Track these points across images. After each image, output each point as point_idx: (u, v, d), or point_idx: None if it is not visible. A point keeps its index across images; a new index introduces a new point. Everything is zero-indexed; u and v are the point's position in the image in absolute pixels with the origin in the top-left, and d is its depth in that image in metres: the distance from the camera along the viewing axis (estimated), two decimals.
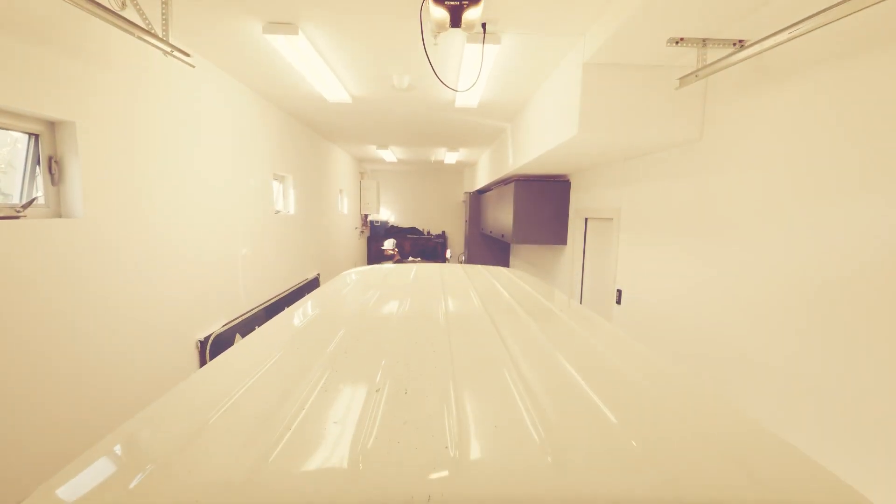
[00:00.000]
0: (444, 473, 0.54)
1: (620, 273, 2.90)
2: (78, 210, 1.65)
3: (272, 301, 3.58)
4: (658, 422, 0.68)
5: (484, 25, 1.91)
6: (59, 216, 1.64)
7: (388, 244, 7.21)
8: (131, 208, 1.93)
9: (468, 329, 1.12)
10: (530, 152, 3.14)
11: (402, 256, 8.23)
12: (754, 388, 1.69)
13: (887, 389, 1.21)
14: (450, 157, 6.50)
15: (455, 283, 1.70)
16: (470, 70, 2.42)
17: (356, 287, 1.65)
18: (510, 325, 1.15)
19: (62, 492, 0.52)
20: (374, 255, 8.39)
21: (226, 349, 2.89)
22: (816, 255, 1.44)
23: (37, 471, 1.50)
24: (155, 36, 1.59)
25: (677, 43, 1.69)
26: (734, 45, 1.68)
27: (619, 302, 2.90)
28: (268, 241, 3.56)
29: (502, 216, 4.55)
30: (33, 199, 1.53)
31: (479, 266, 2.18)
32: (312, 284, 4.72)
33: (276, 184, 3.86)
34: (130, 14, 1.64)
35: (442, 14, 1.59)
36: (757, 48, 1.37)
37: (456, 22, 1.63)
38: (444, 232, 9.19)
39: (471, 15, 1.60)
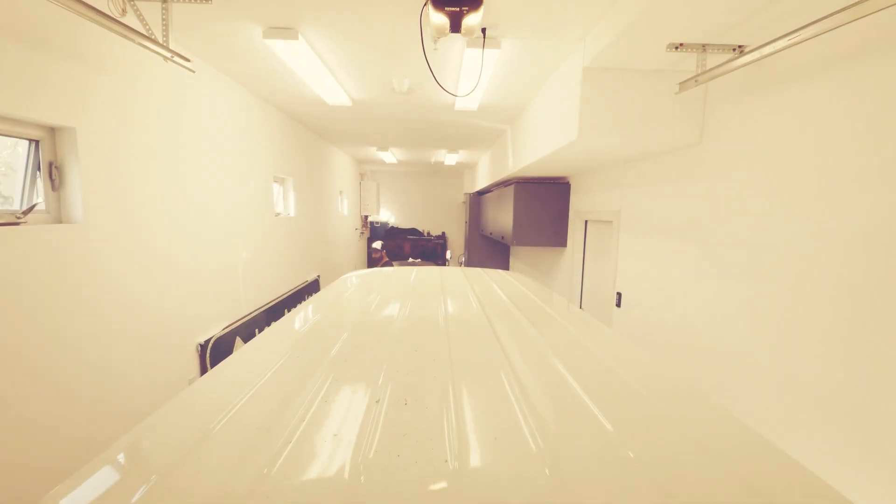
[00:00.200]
0: (444, 485, 0.55)
1: (620, 276, 2.90)
2: (78, 215, 1.65)
3: (272, 304, 3.58)
4: (655, 431, 0.68)
5: (484, 30, 1.91)
6: (60, 222, 1.64)
7: (377, 245, 6.98)
8: (131, 213, 1.93)
9: (468, 335, 1.12)
10: (530, 155, 3.14)
11: (402, 258, 8.22)
12: (754, 392, 1.69)
13: (889, 393, 1.22)
14: (450, 159, 6.51)
15: (455, 287, 1.70)
16: (470, 74, 2.43)
17: (356, 292, 1.65)
18: (509, 331, 1.16)
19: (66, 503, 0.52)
20: (374, 257, 8.39)
21: (226, 352, 2.90)
22: (816, 259, 1.44)
23: (37, 474, 1.50)
24: (155, 42, 1.59)
25: (677, 48, 1.69)
26: (734, 50, 1.68)
27: (618, 305, 2.90)
28: (268, 244, 3.56)
29: (502, 218, 4.55)
30: (34, 206, 1.53)
31: (479, 269, 2.18)
32: (312, 286, 4.72)
33: (276, 186, 3.86)
34: (131, 20, 1.64)
35: (442, 20, 1.59)
36: (756, 54, 1.37)
37: (456, 27, 1.63)
38: (443, 233, 9.20)
39: (471, 21, 1.60)
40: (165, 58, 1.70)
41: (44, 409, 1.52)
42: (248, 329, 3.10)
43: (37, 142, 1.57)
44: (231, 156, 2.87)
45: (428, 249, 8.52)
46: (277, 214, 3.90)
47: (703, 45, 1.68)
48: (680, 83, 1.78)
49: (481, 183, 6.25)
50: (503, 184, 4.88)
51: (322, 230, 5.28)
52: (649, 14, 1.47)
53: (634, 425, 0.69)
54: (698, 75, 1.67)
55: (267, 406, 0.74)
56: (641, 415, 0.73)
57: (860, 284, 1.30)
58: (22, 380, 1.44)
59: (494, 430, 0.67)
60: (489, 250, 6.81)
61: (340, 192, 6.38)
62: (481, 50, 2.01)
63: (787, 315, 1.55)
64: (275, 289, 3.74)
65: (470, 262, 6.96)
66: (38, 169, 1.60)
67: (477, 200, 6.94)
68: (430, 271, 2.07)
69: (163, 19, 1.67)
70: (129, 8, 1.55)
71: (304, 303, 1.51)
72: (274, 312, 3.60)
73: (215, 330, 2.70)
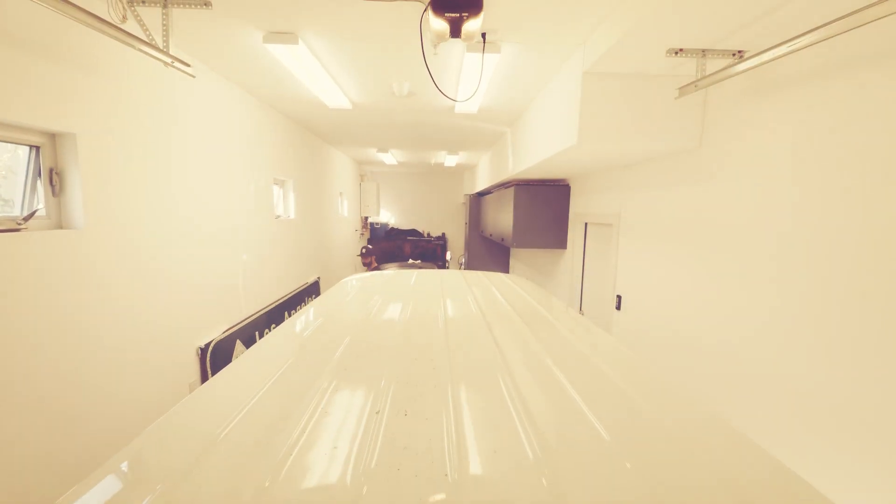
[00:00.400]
0: (443, 497, 0.55)
1: (620, 279, 2.90)
2: (79, 221, 1.65)
3: (272, 306, 3.59)
4: (652, 442, 0.68)
5: (484, 35, 1.92)
6: (60, 227, 1.64)
7: (363, 249, 6.65)
8: (132, 218, 1.93)
9: (467, 343, 1.13)
10: (530, 158, 3.14)
11: (402, 259, 8.22)
12: (754, 395, 1.70)
13: (891, 400, 1.22)
14: (450, 160, 6.51)
15: (455, 292, 1.71)
16: (470, 78, 2.43)
17: (357, 297, 1.65)
18: (508, 339, 1.16)
19: None
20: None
21: (226, 356, 2.89)
22: (816, 262, 1.44)
23: (38, 477, 1.50)
24: (155, 48, 1.59)
25: (676, 53, 1.69)
26: (733, 55, 1.68)
27: (618, 308, 2.90)
28: (268, 247, 3.57)
29: (502, 220, 4.56)
30: (34, 212, 1.53)
31: (479, 273, 2.18)
32: (313, 288, 4.72)
33: (276, 188, 3.87)
34: (132, 27, 1.64)
35: (442, 25, 1.59)
36: (756, 61, 1.37)
37: (456, 33, 1.63)
38: (443, 234, 9.20)
39: (471, 26, 1.60)
40: (166, 63, 1.70)
41: (45, 413, 1.52)
42: (249, 332, 3.11)
43: (37, 148, 1.57)
44: (231, 159, 2.88)
45: (428, 250, 8.52)
46: (277, 217, 3.90)
47: (703, 51, 1.69)
48: (680, 87, 1.79)
49: (481, 184, 6.26)
50: (503, 185, 4.88)
51: (322, 232, 5.29)
52: (648, 20, 1.48)
53: (631, 435, 0.70)
54: (698, 80, 1.67)
55: (268, 417, 0.75)
56: (638, 424, 0.73)
57: (861, 288, 1.30)
58: (23, 383, 1.44)
59: (494, 442, 0.68)
60: (489, 251, 6.81)
61: (340, 194, 6.39)
62: (481, 54, 2.01)
63: (786, 318, 1.55)
64: (275, 291, 3.74)
65: (470, 264, 6.96)
66: (39, 175, 1.60)
67: (477, 202, 6.94)
68: (431, 276, 2.07)
69: (163, 25, 1.68)
70: (129, 14, 1.56)
71: (303, 308, 1.51)
72: (274, 315, 3.60)
73: (215, 333, 2.70)
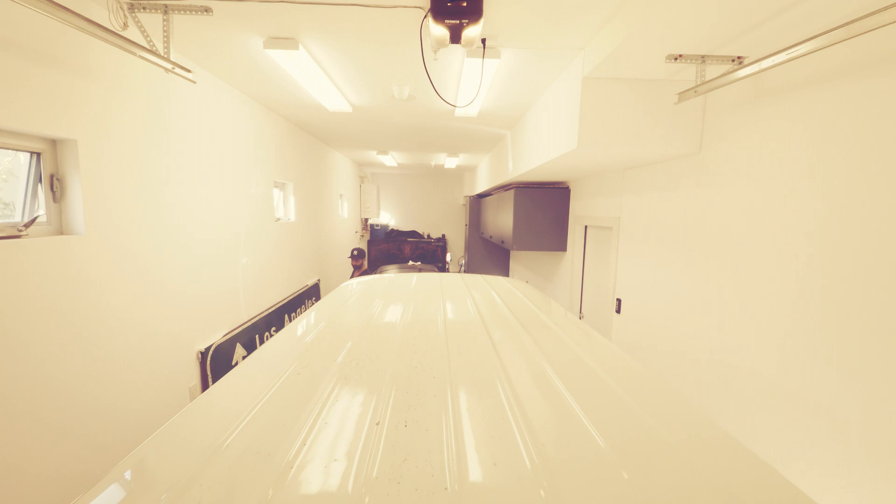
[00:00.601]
0: None
1: (620, 282, 2.90)
2: (80, 227, 1.66)
3: (272, 309, 3.59)
4: (649, 451, 0.68)
5: (484, 41, 1.92)
6: (61, 233, 1.65)
7: (354, 251, 5.77)
8: (133, 223, 1.94)
9: (467, 349, 1.13)
10: (530, 162, 3.15)
11: (402, 260, 8.23)
12: (753, 399, 1.70)
13: (886, 404, 1.22)
14: (450, 162, 6.52)
15: (454, 297, 1.71)
16: (470, 83, 2.43)
17: (357, 302, 1.65)
18: (508, 345, 1.16)
19: None
20: (374, 259, 8.40)
21: (226, 359, 2.89)
22: (815, 267, 1.44)
23: (38, 480, 1.50)
24: (156, 54, 1.59)
25: (676, 59, 1.70)
26: (733, 61, 1.69)
27: (618, 311, 2.91)
28: (268, 250, 3.57)
29: (502, 222, 4.56)
30: (35, 219, 1.54)
31: (479, 276, 2.18)
32: (313, 290, 4.73)
33: (276, 191, 3.87)
34: (133, 33, 1.65)
35: (442, 32, 1.60)
36: (755, 68, 1.38)
37: (456, 39, 1.64)
38: (444, 235, 9.21)
39: (471, 32, 1.61)
40: (166, 69, 1.70)
41: (46, 417, 1.53)
42: (249, 335, 3.11)
43: (38, 154, 1.58)
44: (231, 162, 2.88)
45: (428, 252, 8.52)
46: (278, 220, 3.90)
47: (703, 56, 1.69)
48: (679, 93, 1.79)
49: (481, 186, 6.26)
50: (503, 188, 4.89)
51: (322, 234, 5.29)
52: (647, 26, 1.48)
53: (629, 444, 0.70)
54: (697, 86, 1.68)
55: (269, 427, 0.75)
56: (636, 433, 0.74)
57: (861, 292, 1.30)
58: (24, 390, 1.44)
59: (493, 454, 0.68)
60: (489, 253, 6.82)
61: (340, 196, 6.39)
62: (481, 60, 2.02)
63: (785, 322, 1.56)
64: (275, 294, 3.75)
65: (470, 265, 6.96)
66: (40, 181, 1.60)
67: (477, 203, 6.95)
68: (430, 279, 2.07)
69: (164, 31, 1.68)
70: (130, 21, 1.56)
71: (304, 313, 1.52)
72: (274, 318, 3.60)
73: (216, 337, 2.70)
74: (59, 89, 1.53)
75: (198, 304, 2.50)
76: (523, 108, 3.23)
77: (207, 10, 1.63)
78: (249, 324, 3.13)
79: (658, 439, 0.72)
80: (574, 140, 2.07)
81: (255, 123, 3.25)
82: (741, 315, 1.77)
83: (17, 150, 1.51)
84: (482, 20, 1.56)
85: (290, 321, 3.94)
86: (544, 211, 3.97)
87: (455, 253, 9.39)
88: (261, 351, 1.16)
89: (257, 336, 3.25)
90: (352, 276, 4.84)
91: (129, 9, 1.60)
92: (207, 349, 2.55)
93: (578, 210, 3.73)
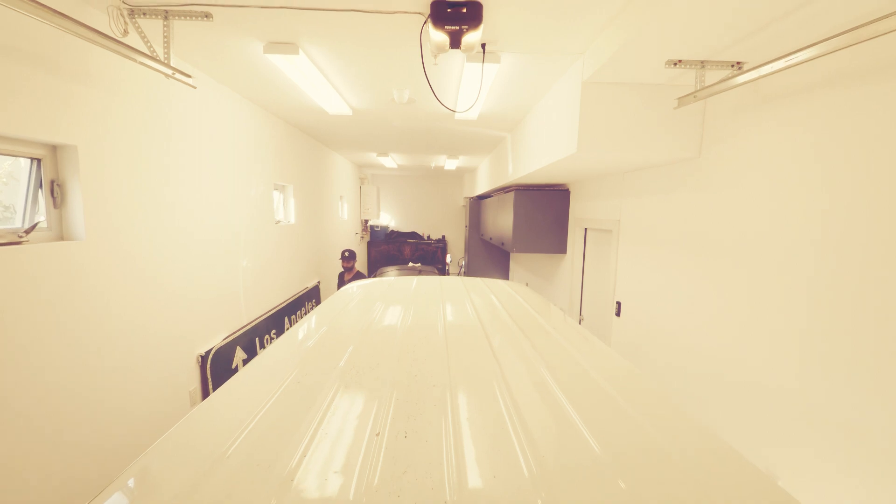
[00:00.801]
0: None
1: (620, 285, 2.90)
2: (80, 232, 1.66)
3: (272, 312, 3.59)
4: (646, 461, 0.69)
5: (483, 46, 1.92)
6: (62, 239, 1.65)
7: (345, 251, 4.97)
8: (133, 227, 1.94)
9: (467, 356, 1.13)
10: (529, 165, 3.15)
11: (402, 261, 8.23)
12: (753, 404, 1.70)
13: (887, 411, 1.22)
14: (450, 164, 6.52)
15: (454, 301, 1.71)
16: (469, 87, 2.44)
17: (357, 307, 1.65)
18: (507, 351, 1.17)
19: None
20: (374, 260, 8.41)
21: (226, 363, 2.88)
22: (814, 271, 1.44)
23: (38, 483, 1.50)
24: (157, 60, 1.60)
25: (675, 65, 1.70)
26: (732, 66, 1.69)
27: (618, 314, 2.91)
28: (268, 253, 3.57)
29: (502, 224, 4.56)
30: (35, 225, 1.54)
31: (478, 279, 2.18)
32: (313, 292, 4.73)
33: (276, 194, 3.87)
34: (133, 39, 1.65)
35: (442, 37, 1.60)
36: (754, 74, 1.38)
37: (456, 44, 1.64)
38: (443, 237, 9.21)
39: (470, 38, 1.61)
40: (167, 75, 1.71)
41: (47, 423, 1.53)
42: (249, 338, 3.11)
43: (38, 160, 1.58)
44: (231, 166, 2.88)
45: (428, 253, 8.53)
46: (278, 222, 3.91)
47: (702, 62, 1.69)
48: (679, 98, 1.79)
49: (481, 187, 6.27)
50: (503, 189, 4.89)
51: (322, 236, 5.29)
52: (646, 31, 1.48)
53: (627, 454, 0.70)
54: (697, 91, 1.68)
55: (271, 436, 0.75)
56: (634, 443, 0.74)
57: (860, 297, 1.30)
58: (24, 395, 1.45)
59: (493, 466, 0.68)
60: (490, 254, 6.82)
61: (341, 197, 6.39)
62: (481, 64, 2.02)
63: (784, 326, 1.56)
64: (275, 297, 3.75)
65: (470, 266, 6.96)
66: (40, 186, 1.60)
67: (477, 205, 6.95)
68: (430, 283, 2.07)
69: (164, 37, 1.68)
70: (130, 28, 1.56)
71: (305, 318, 1.52)
72: (274, 321, 3.61)
73: (216, 340, 2.70)
74: (58, 95, 1.53)
75: (198, 308, 2.51)
76: (523, 111, 3.23)
77: (208, 15, 1.64)
78: (249, 327, 3.13)
79: (656, 449, 0.72)
80: (574, 144, 2.07)
81: (255, 126, 3.25)
82: (741, 319, 1.77)
83: (18, 156, 1.51)
84: (482, 26, 1.57)
85: (290, 324, 3.94)
86: (544, 213, 3.97)
87: (455, 254, 9.39)
88: (262, 356, 1.17)
89: (257, 339, 3.25)
90: (340, 277, 4.77)
91: (129, 15, 1.61)
92: (207, 353, 2.55)
93: (578, 212, 3.74)
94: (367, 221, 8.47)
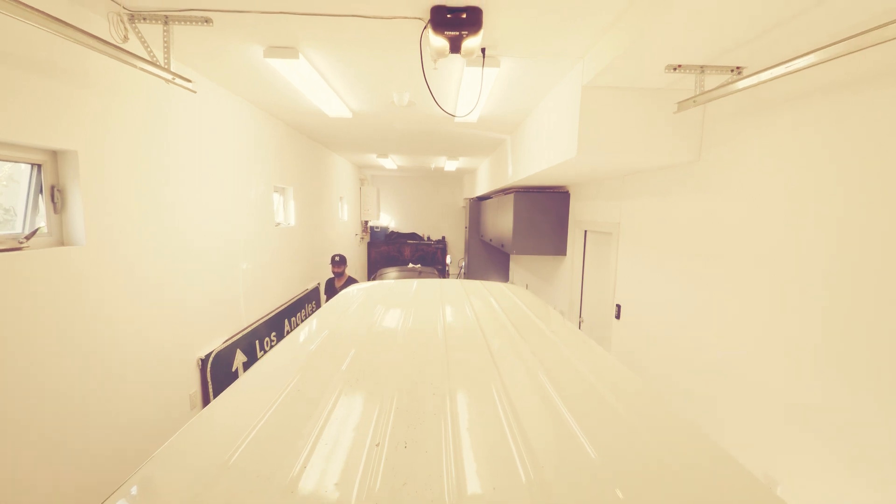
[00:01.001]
0: None
1: (620, 287, 2.91)
2: (80, 237, 1.66)
3: (272, 314, 3.59)
4: (644, 470, 0.69)
5: (483, 50, 1.92)
6: (62, 244, 1.65)
7: (335, 256, 4.47)
8: (133, 231, 1.94)
9: (467, 362, 1.13)
10: (529, 167, 3.15)
11: (402, 262, 8.23)
12: (752, 407, 1.70)
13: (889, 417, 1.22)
14: (450, 165, 6.52)
15: (454, 306, 1.71)
16: (469, 91, 2.44)
17: (357, 311, 1.65)
18: (507, 356, 1.17)
19: None
20: (374, 261, 8.41)
21: (226, 366, 2.88)
22: (813, 274, 1.45)
23: (39, 487, 1.50)
24: (157, 65, 1.60)
25: (675, 69, 1.70)
26: (732, 71, 1.69)
27: (618, 317, 2.91)
28: (268, 255, 3.57)
29: (502, 226, 4.56)
30: (36, 230, 1.54)
31: (478, 282, 2.18)
32: (313, 295, 4.73)
33: (276, 196, 3.87)
34: (133, 45, 1.65)
35: (441, 43, 1.61)
36: (754, 80, 1.38)
37: (455, 49, 1.64)
38: (443, 237, 9.21)
39: (470, 43, 1.61)
40: (167, 80, 1.71)
41: (47, 428, 1.53)
42: (249, 341, 3.11)
43: (39, 165, 1.58)
44: (231, 169, 2.88)
45: (428, 254, 8.53)
46: (278, 224, 3.91)
47: (702, 67, 1.69)
48: (678, 102, 1.79)
49: (481, 189, 6.27)
50: (503, 191, 4.89)
51: (322, 238, 5.29)
52: (646, 36, 1.48)
53: (625, 463, 0.71)
54: (696, 96, 1.68)
55: (272, 444, 0.75)
56: (633, 452, 0.74)
57: (860, 299, 1.30)
58: (24, 399, 1.45)
59: (492, 476, 0.68)
60: (490, 255, 6.82)
61: (340, 198, 6.40)
62: (481, 69, 2.02)
63: (784, 329, 1.56)
64: (275, 299, 3.75)
65: (470, 267, 6.96)
66: (40, 191, 1.61)
67: (477, 206, 6.95)
68: (430, 286, 2.07)
69: (164, 42, 1.69)
70: (131, 33, 1.56)
71: (305, 322, 1.52)
72: (274, 323, 3.61)
73: (216, 343, 2.70)
74: (58, 100, 1.53)
75: (198, 311, 2.51)
76: (523, 114, 3.23)
77: (208, 20, 1.64)
78: (249, 329, 3.13)
79: (653, 457, 0.73)
80: (573, 148, 2.07)
81: (254, 129, 3.25)
82: (740, 321, 1.77)
83: (18, 162, 1.51)
84: (482, 31, 1.57)
85: (290, 326, 3.94)
86: (544, 215, 3.97)
87: (455, 255, 9.39)
88: (263, 362, 1.17)
89: (257, 342, 3.25)
90: (329, 284, 4.45)
91: (129, 20, 1.61)
92: (208, 356, 2.55)
93: (578, 214, 3.74)
94: (367, 222, 8.47)
